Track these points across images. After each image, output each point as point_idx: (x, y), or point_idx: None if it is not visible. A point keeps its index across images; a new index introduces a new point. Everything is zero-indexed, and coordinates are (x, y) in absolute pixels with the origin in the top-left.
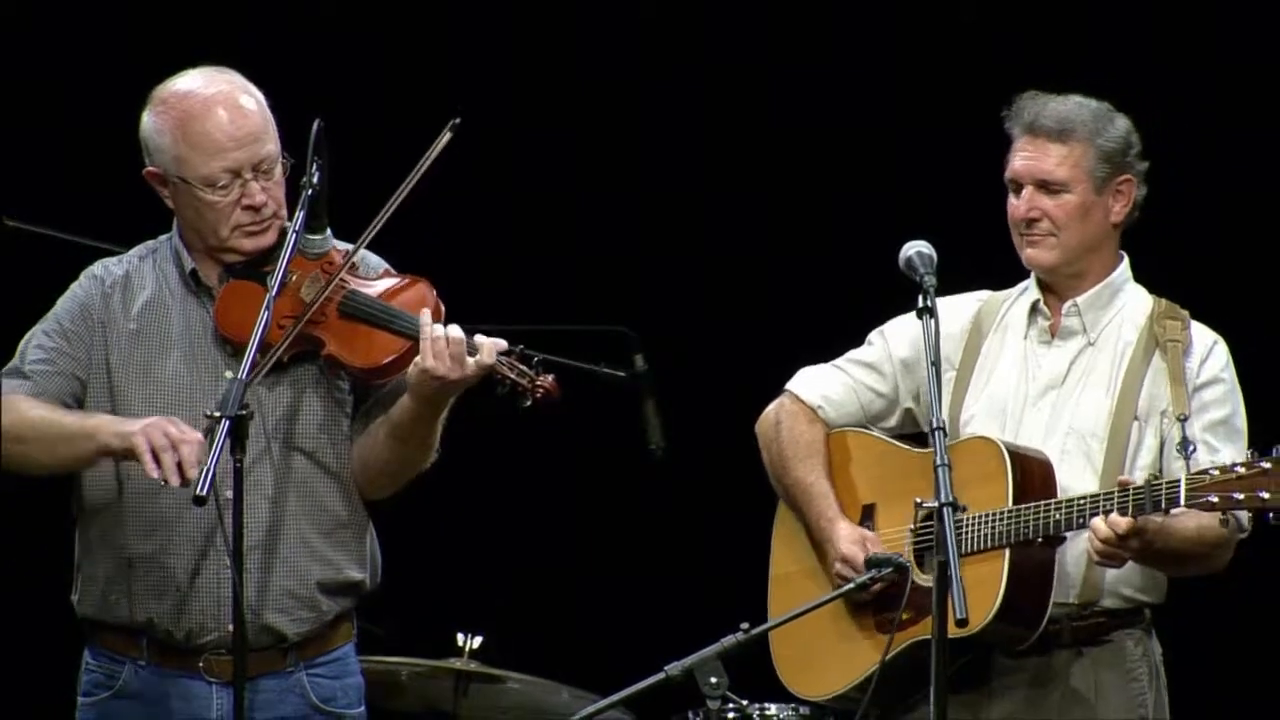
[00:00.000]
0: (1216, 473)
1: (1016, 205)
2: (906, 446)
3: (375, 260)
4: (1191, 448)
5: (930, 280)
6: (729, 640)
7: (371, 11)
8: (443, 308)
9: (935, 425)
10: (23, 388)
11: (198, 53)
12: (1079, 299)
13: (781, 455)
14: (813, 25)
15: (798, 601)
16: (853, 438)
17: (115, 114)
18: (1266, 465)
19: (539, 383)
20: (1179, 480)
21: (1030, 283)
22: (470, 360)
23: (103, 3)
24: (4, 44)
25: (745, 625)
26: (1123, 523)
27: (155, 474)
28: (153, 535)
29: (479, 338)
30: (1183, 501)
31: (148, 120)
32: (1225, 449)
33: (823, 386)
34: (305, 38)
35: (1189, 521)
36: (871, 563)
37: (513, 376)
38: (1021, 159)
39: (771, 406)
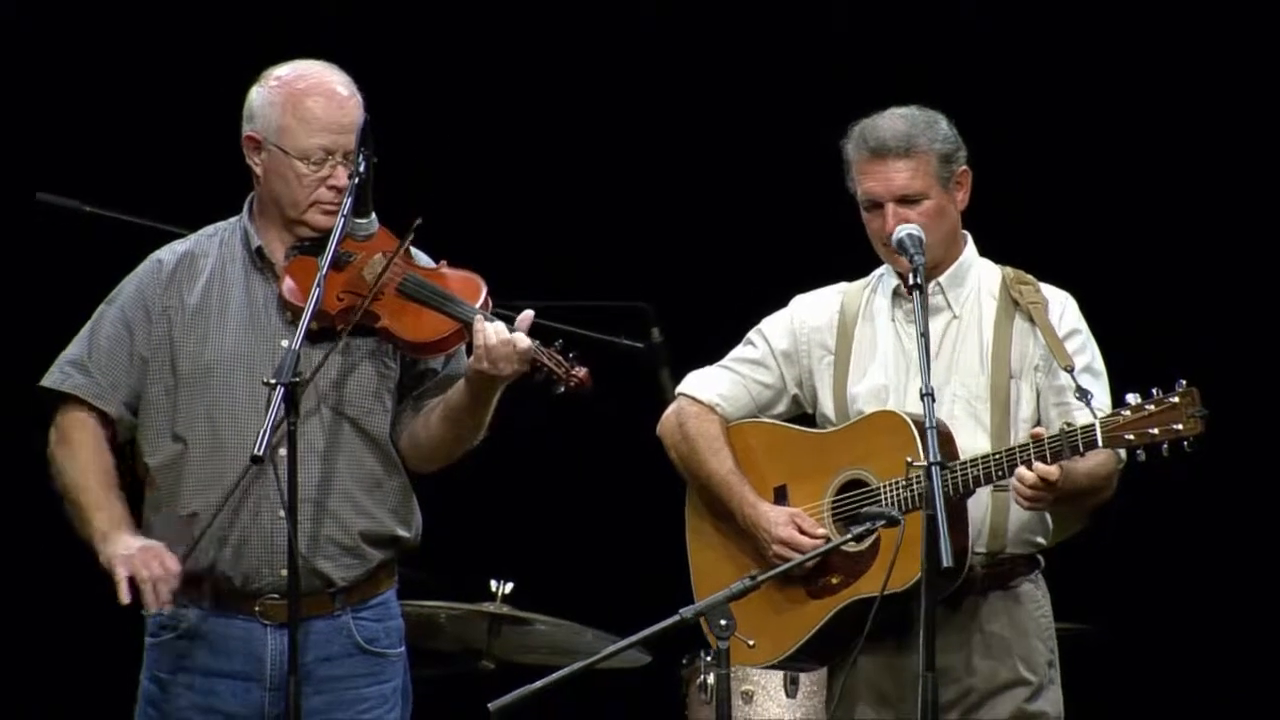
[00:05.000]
0: (1128, 413)
1: (881, 222)
2: (803, 429)
3: (426, 258)
4: (1090, 395)
5: (920, 259)
6: (737, 586)
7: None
8: (491, 302)
9: (925, 392)
10: (80, 387)
11: (255, 53)
12: (940, 278)
13: (692, 451)
14: (823, 15)
15: (725, 587)
16: (751, 428)
17: (183, 108)
18: (1174, 400)
19: (573, 373)
20: (1093, 425)
21: (885, 270)
22: (515, 351)
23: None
24: (75, 37)
25: (753, 573)
26: (1053, 470)
27: (126, 601)
28: (211, 491)
29: (517, 335)
30: (1100, 443)
31: (258, 92)
32: (1094, 390)
33: (715, 385)
34: (317, 40)
35: (1086, 463)
36: (866, 516)
37: (550, 365)
38: (876, 180)
39: (670, 410)
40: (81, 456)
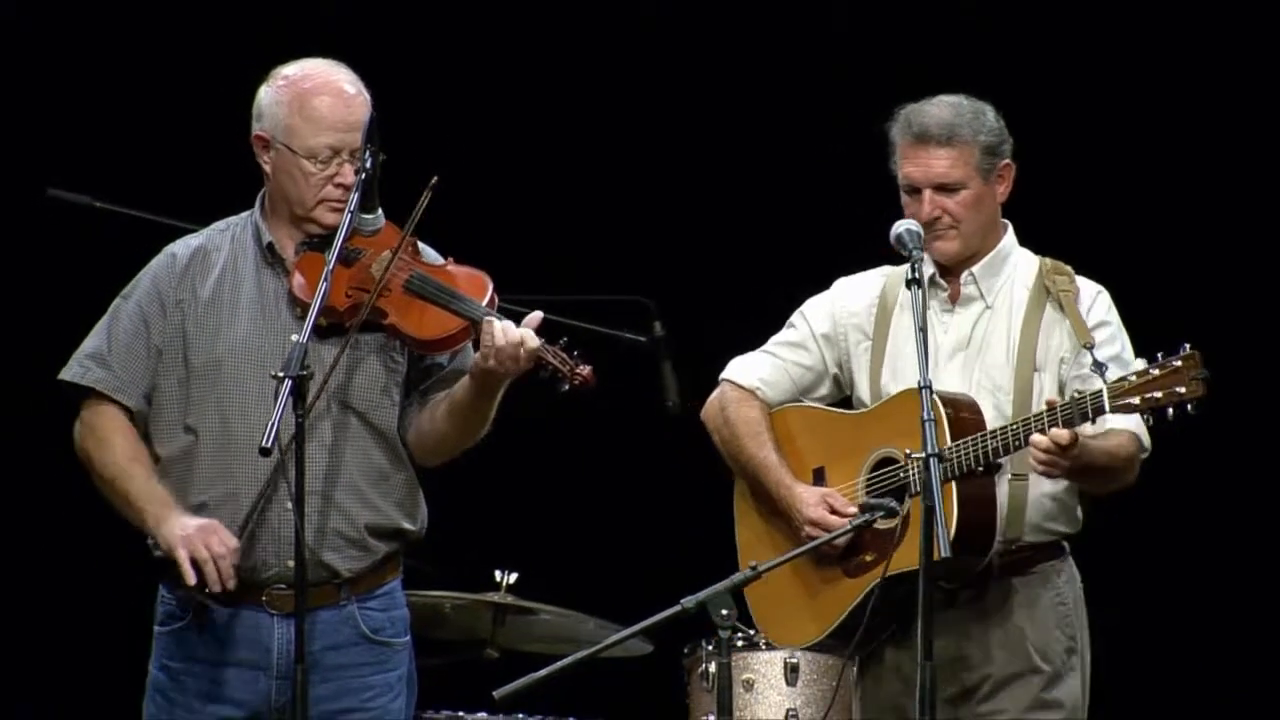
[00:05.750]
0: (1134, 378)
1: (918, 207)
2: (842, 412)
3: (434, 254)
4: (1104, 366)
5: (918, 254)
6: (738, 577)
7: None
8: (497, 300)
9: (923, 384)
10: (101, 382)
11: (265, 49)
12: (974, 268)
13: (734, 435)
14: (823, 13)
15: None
16: (792, 412)
17: (192, 105)
18: (1177, 364)
19: (578, 371)
20: (1101, 390)
21: (925, 256)
22: (521, 352)
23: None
24: (96, 34)
25: (753, 563)
26: (1065, 434)
27: (193, 582)
28: (221, 483)
29: (525, 331)
30: (1108, 408)
31: (266, 91)
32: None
33: (756, 370)
34: (323, 37)
35: (1105, 441)
36: (868, 506)
37: (554, 363)
38: (916, 166)
39: (714, 395)
40: (116, 445)
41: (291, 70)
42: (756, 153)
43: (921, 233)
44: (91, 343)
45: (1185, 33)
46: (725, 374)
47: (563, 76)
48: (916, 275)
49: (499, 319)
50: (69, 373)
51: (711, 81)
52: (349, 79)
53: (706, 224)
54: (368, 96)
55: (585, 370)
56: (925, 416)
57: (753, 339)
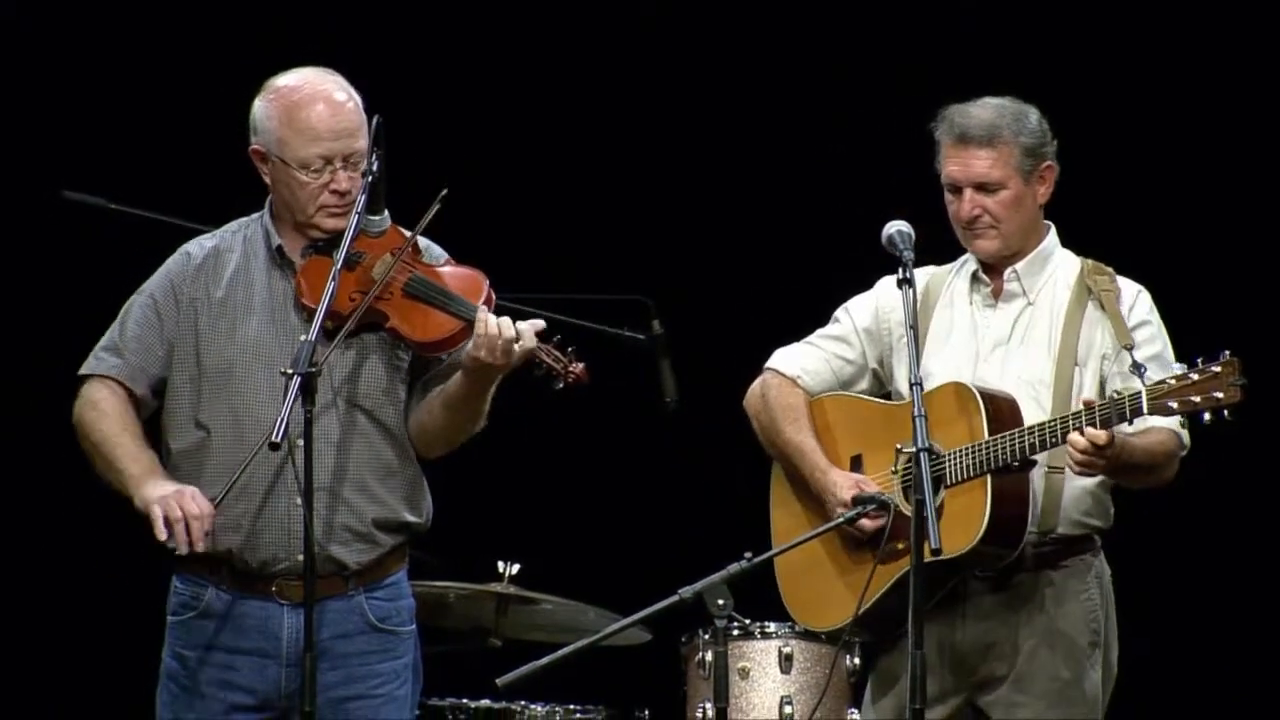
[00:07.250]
0: (1173, 381)
1: (959, 205)
2: (881, 402)
3: (438, 250)
4: (1143, 368)
5: (909, 255)
6: (734, 567)
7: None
8: (494, 297)
9: (914, 381)
10: (115, 369)
11: (276, 51)
12: (1017, 266)
13: (772, 421)
14: (823, 13)
15: (802, 552)
16: (831, 400)
17: (201, 110)
18: (1216, 369)
19: (571, 369)
20: (1140, 391)
21: (969, 256)
22: (515, 348)
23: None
24: (115, 36)
25: (748, 554)
26: (1102, 435)
27: (163, 537)
28: (231, 478)
29: (521, 325)
30: (1145, 410)
31: (259, 105)
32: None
33: (799, 360)
34: (329, 37)
35: (1145, 439)
36: (858, 500)
37: (549, 361)
38: (957, 165)
39: (756, 383)
40: (111, 413)
41: (282, 82)
42: (756, 152)
43: (912, 234)
44: (107, 337)
45: (1236, 37)
46: (769, 362)
47: (563, 76)
48: (907, 276)
49: (490, 314)
50: (86, 367)
51: (710, 81)
52: (338, 86)
53: (706, 223)
54: (359, 100)
55: (578, 367)
56: (915, 413)
57: (752, 338)
